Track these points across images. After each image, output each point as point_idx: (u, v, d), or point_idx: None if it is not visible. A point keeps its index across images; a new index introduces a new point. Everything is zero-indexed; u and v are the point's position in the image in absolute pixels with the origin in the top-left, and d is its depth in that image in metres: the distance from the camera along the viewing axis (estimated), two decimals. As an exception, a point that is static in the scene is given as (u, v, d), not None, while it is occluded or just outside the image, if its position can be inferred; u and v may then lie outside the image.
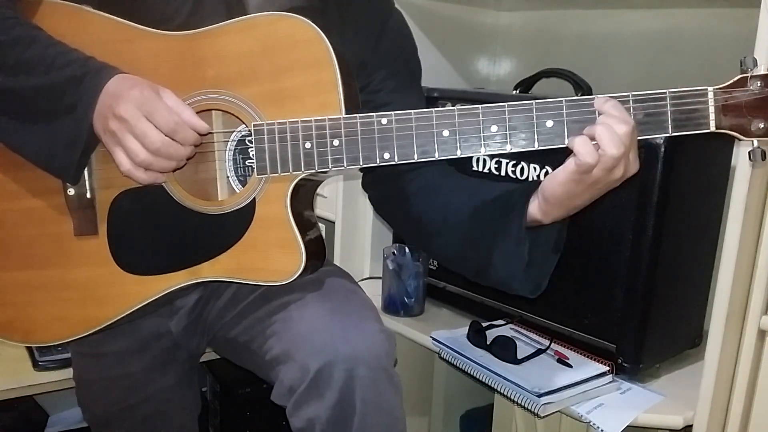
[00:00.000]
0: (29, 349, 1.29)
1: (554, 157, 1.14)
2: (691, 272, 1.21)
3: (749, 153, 0.80)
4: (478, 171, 1.32)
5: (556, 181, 0.83)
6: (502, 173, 1.29)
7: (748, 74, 0.78)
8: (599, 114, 0.81)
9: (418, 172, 1.05)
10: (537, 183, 0.89)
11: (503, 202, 0.93)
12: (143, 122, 0.84)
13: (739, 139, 0.80)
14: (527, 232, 0.90)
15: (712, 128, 0.80)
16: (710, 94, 0.79)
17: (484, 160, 1.31)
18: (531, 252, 0.91)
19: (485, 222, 0.95)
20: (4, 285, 0.99)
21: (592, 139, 0.80)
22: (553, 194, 0.85)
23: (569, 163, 0.81)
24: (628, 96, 0.81)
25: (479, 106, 0.85)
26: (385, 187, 1.10)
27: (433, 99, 1.37)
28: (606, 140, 0.78)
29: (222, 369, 1.52)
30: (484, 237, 0.95)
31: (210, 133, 0.93)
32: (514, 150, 0.85)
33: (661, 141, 1.06)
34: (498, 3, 1.75)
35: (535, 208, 0.89)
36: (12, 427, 1.42)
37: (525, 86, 1.45)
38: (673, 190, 1.09)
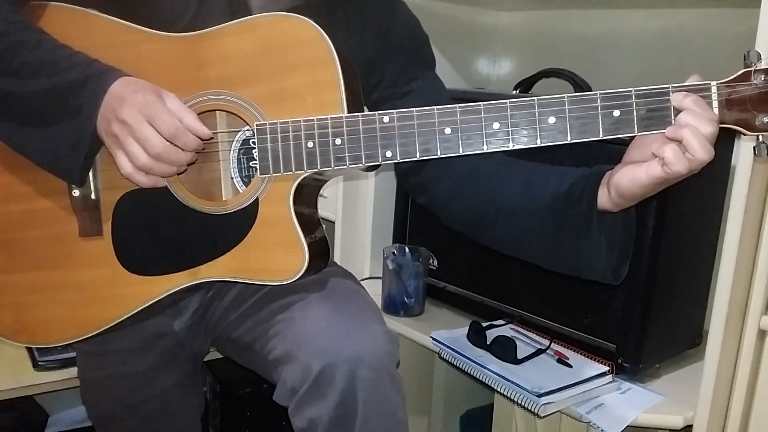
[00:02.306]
0: (29, 349, 1.29)
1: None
2: (691, 272, 1.21)
3: (754, 148, 0.79)
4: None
5: (636, 182, 0.81)
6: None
7: (752, 68, 0.77)
8: (678, 110, 0.78)
9: (466, 161, 0.98)
10: (599, 173, 0.88)
11: (566, 193, 0.90)
12: (145, 126, 0.85)
13: (744, 134, 0.79)
14: (599, 221, 0.89)
15: None
16: (714, 89, 0.78)
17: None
18: (608, 240, 0.90)
19: (551, 214, 0.92)
20: (9, 286, 0.99)
21: (678, 141, 0.77)
22: (630, 193, 0.82)
23: (654, 169, 0.79)
24: (630, 91, 0.80)
25: (481, 103, 0.84)
26: (422, 175, 1.06)
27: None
28: (696, 146, 0.75)
29: (222, 369, 1.52)
30: (552, 229, 0.92)
31: (214, 133, 0.93)
32: (517, 147, 0.84)
33: (662, 141, 1.06)
34: (498, 3, 1.75)
35: (604, 200, 0.87)
36: (12, 427, 1.42)
37: (525, 86, 1.45)
38: (673, 189, 1.09)
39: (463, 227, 1.05)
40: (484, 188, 0.99)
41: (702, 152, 0.76)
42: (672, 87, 0.79)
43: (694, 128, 0.76)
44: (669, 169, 0.77)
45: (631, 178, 0.81)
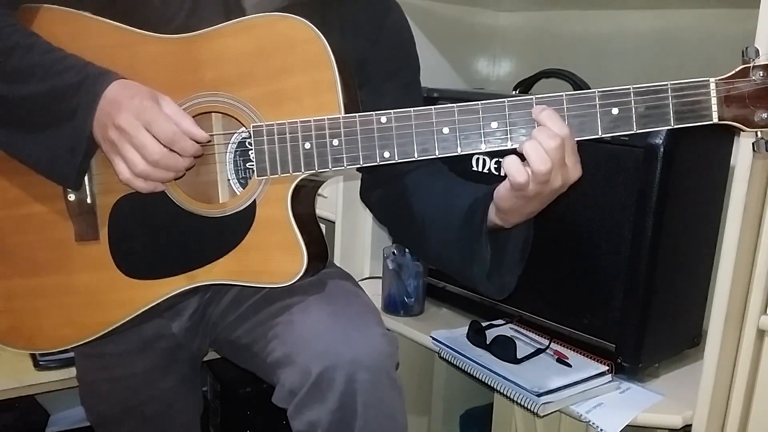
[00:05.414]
0: (30, 349, 1.30)
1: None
2: (691, 272, 1.21)
3: (753, 144, 0.79)
4: (477, 171, 1.32)
5: (500, 195, 0.85)
6: (502, 173, 1.28)
7: (750, 64, 0.77)
8: (537, 124, 0.81)
9: (410, 174, 1.05)
10: (493, 188, 0.90)
11: (468, 208, 0.94)
12: (142, 133, 0.84)
13: (742, 130, 0.79)
14: (490, 237, 0.92)
15: (715, 119, 0.79)
16: (712, 86, 0.78)
17: (484, 160, 1.31)
18: (494, 256, 0.93)
19: (454, 227, 0.96)
20: (6, 292, 0.99)
21: (524, 155, 0.80)
22: (502, 206, 0.87)
23: (506, 181, 0.83)
24: (629, 89, 0.80)
25: (479, 102, 0.85)
26: (378, 192, 1.10)
27: (433, 99, 1.37)
28: (533, 157, 0.79)
29: (222, 368, 1.52)
30: (453, 241, 0.96)
31: (211, 136, 0.93)
32: (516, 146, 0.84)
33: (661, 141, 1.06)
34: (498, 3, 1.75)
35: (493, 215, 0.91)
36: (13, 427, 1.42)
37: (525, 86, 1.45)
38: (673, 189, 1.09)
39: (406, 242, 1.10)
40: (419, 202, 1.03)
41: (538, 163, 0.79)
42: (670, 84, 0.79)
43: (535, 142, 0.79)
44: (510, 180, 0.81)
45: (497, 194, 0.86)
